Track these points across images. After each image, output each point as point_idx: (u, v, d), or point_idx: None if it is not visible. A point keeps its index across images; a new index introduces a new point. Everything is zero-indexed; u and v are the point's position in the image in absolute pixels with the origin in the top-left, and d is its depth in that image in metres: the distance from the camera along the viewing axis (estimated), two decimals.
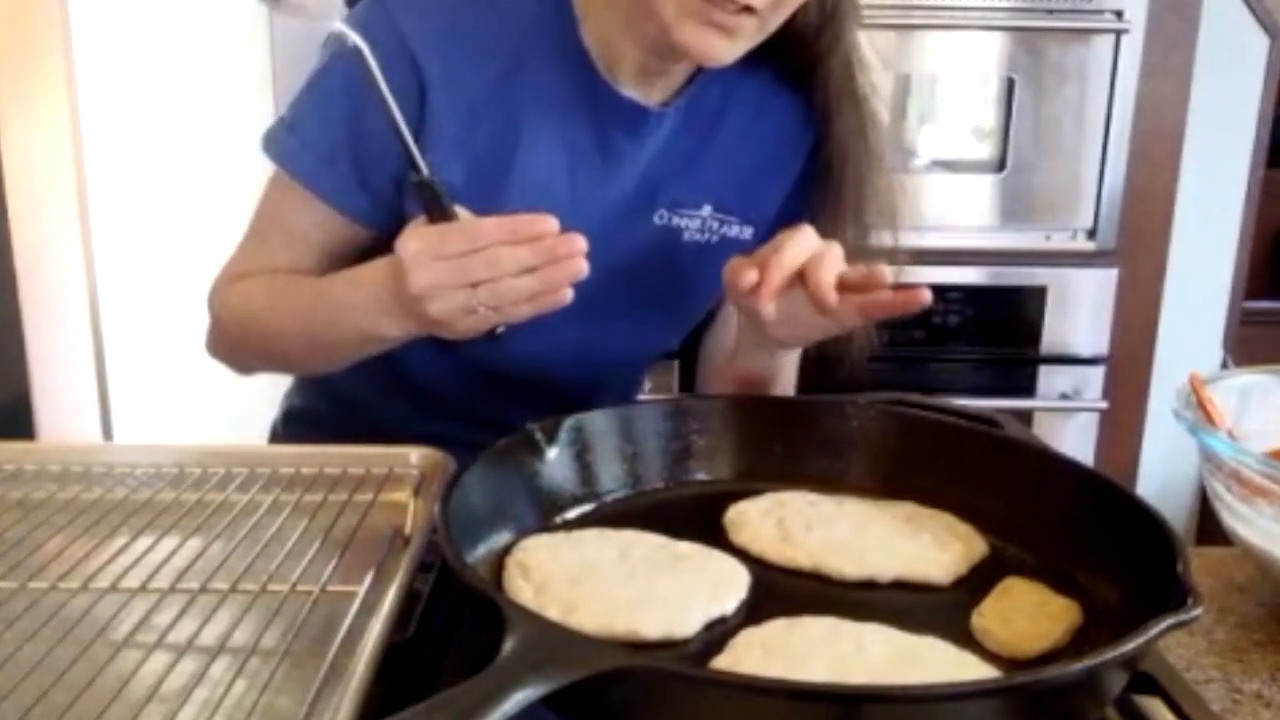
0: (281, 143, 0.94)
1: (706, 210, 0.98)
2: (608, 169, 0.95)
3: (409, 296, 0.78)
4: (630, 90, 0.94)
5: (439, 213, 0.79)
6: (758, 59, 0.94)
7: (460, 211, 0.80)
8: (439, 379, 1.01)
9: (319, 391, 1.10)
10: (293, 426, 1.12)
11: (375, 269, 0.85)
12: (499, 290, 0.76)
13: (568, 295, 0.77)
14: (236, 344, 0.99)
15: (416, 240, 0.78)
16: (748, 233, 1.00)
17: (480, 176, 0.91)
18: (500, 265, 0.75)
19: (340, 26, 0.77)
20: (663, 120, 0.95)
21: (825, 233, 0.87)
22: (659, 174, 0.97)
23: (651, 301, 1.01)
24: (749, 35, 0.86)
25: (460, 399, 1.01)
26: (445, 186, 0.79)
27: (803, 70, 0.97)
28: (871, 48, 0.98)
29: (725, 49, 0.86)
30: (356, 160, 0.91)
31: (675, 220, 0.98)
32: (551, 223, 0.76)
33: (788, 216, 0.97)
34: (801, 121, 0.99)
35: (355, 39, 0.76)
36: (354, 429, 1.03)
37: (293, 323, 0.92)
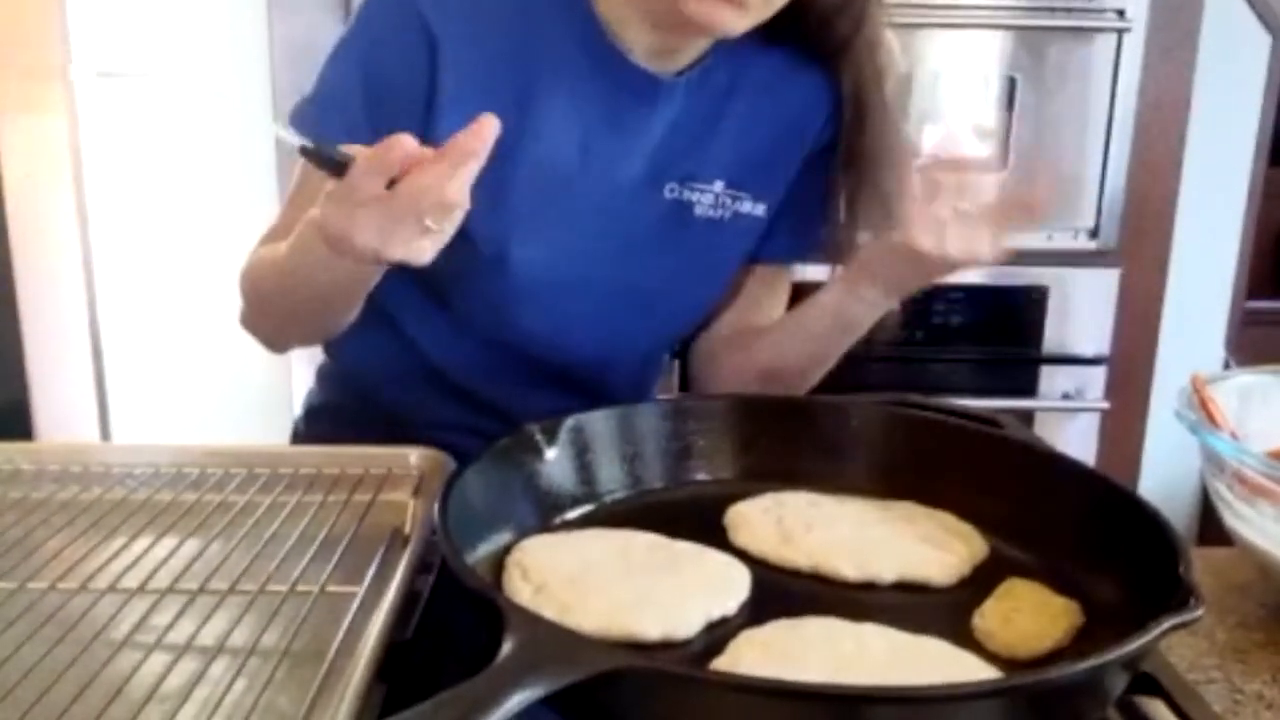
0: (302, 115, 0.93)
1: (719, 186, 0.98)
2: (618, 140, 0.95)
3: (360, 254, 0.73)
4: (643, 64, 0.94)
5: (340, 169, 0.73)
6: (773, 37, 0.94)
7: (355, 150, 0.73)
8: (456, 361, 1.01)
9: (338, 386, 1.10)
10: (314, 422, 1.12)
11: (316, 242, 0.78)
12: (438, 205, 0.70)
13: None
14: (257, 310, 0.97)
15: (333, 206, 0.72)
16: (760, 209, 1.00)
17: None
18: (423, 187, 0.69)
19: None
20: (674, 91, 0.95)
21: (838, 228, 0.87)
22: (670, 146, 0.97)
23: (663, 277, 1.00)
24: (758, 6, 0.86)
25: (478, 384, 1.01)
26: (327, 141, 0.74)
27: (822, 58, 0.97)
28: (903, 50, 0.98)
29: (734, 20, 0.86)
30: (371, 116, 0.90)
31: (686, 194, 0.98)
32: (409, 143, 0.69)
33: (799, 194, 0.98)
34: (815, 99, 0.99)
35: None
36: (373, 421, 1.03)
37: (282, 280, 0.89)
